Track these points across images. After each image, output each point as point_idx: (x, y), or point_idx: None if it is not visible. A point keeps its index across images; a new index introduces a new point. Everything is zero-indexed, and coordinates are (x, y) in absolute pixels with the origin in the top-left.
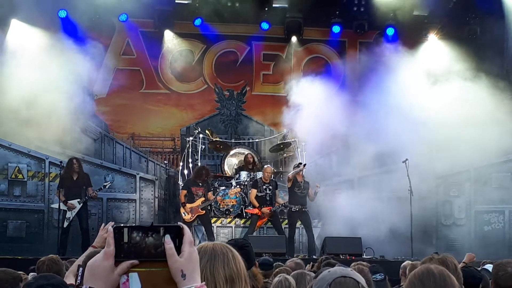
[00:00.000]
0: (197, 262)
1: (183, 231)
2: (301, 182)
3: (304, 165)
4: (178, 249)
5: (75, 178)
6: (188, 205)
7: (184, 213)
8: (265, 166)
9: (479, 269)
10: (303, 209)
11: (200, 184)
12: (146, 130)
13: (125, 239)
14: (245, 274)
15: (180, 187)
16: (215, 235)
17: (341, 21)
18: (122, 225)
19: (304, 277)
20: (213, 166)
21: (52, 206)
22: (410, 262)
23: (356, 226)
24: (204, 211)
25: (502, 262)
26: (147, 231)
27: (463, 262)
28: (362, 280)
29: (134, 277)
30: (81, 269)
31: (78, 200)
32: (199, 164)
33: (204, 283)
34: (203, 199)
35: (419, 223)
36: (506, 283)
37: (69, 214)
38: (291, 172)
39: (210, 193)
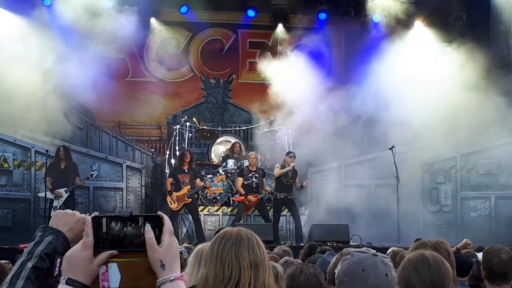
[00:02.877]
0: (177, 252)
1: (163, 221)
2: (289, 171)
3: (294, 156)
4: (158, 239)
5: (62, 167)
6: (175, 194)
7: (170, 201)
8: (249, 153)
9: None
10: (288, 197)
11: (186, 171)
12: (132, 118)
13: (104, 229)
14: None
15: (167, 175)
16: (202, 223)
17: (327, 8)
18: (101, 214)
19: (290, 265)
20: (200, 154)
21: (40, 195)
22: (394, 249)
23: (343, 213)
24: (190, 199)
25: (494, 249)
26: (126, 221)
27: (456, 248)
28: None
29: (114, 268)
30: (58, 260)
31: (65, 189)
32: None
33: (183, 273)
34: (189, 187)
35: (405, 210)
36: (501, 269)
37: (56, 203)
38: (278, 173)
39: (198, 180)
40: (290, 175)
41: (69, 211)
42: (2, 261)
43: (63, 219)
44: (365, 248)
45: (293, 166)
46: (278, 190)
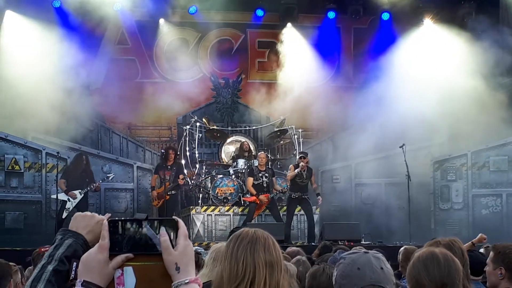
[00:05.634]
0: (192, 255)
1: (178, 225)
2: (303, 171)
3: (303, 156)
4: (173, 243)
5: (79, 172)
6: (155, 191)
7: (151, 199)
8: (259, 153)
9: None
10: (303, 196)
11: (169, 167)
12: (143, 119)
13: (120, 232)
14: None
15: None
16: (213, 223)
17: (336, 6)
18: (117, 218)
19: (303, 264)
20: (210, 154)
21: (53, 196)
22: (406, 247)
23: (354, 212)
24: (169, 196)
25: (509, 247)
26: (142, 224)
27: (471, 242)
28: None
29: (129, 272)
30: (75, 263)
31: (80, 190)
32: (196, 153)
33: (198, 276)
34: (167, 184)
35: (417, 208)
36: None
37: (69, 205)
38: (289, 176)
39: (180, 176)
40: (305, 175)
41: (88, 213)
42: (11, 263)
43: (82, 222)
44: (355, 248)
45: (307, 165)
46: (293, 190)
